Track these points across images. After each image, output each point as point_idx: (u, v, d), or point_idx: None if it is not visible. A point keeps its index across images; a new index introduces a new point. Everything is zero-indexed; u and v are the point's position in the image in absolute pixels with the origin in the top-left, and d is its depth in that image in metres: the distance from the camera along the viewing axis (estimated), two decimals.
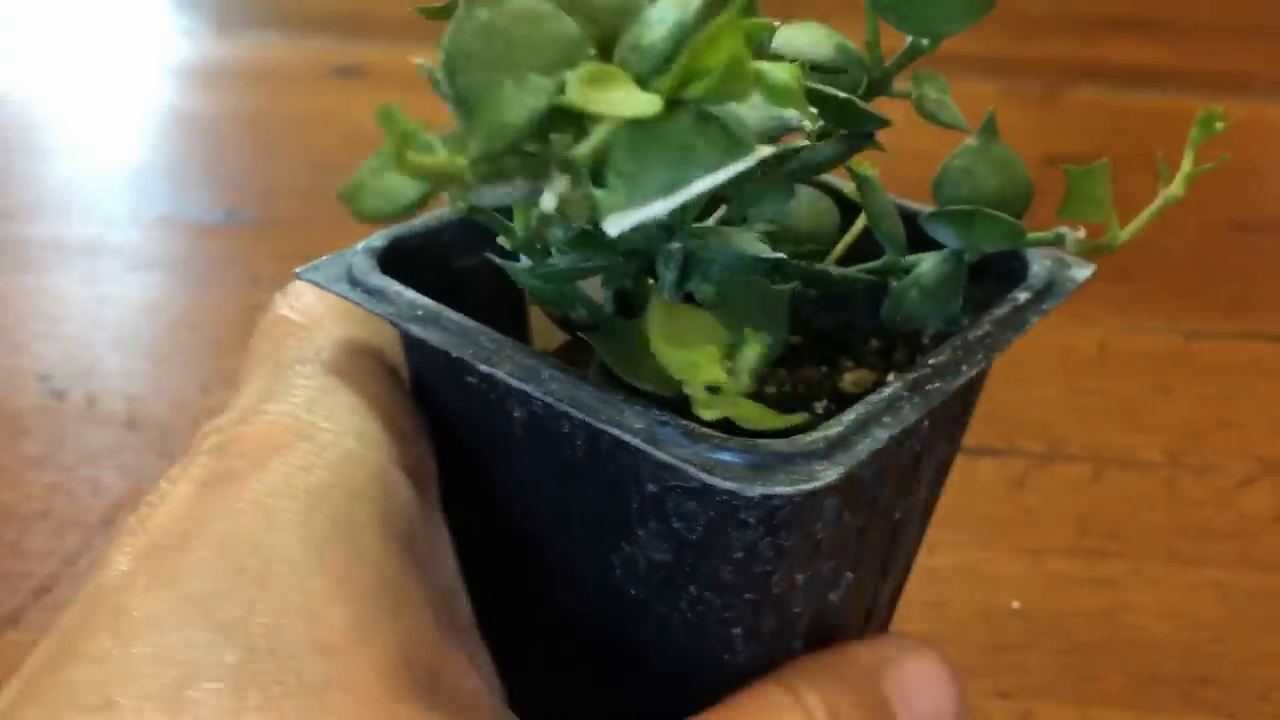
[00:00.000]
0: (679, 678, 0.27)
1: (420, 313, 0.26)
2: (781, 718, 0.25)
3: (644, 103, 0.18)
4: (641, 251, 0.25)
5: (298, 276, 0.28)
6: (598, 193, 0.19)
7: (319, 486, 0.23)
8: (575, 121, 0.19)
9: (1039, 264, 0.32)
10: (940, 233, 0.29)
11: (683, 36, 0.19)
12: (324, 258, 0.28)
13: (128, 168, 0.74)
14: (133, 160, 0.75)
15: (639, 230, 0.19)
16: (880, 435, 0.24)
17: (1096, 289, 0.68)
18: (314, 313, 0.28)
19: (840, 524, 0.26)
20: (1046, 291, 0.31)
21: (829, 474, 0.23)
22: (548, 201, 0.19)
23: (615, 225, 0.19)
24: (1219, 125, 0.29)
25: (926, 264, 0.29)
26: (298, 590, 0.21)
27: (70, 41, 0.93)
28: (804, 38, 0.29)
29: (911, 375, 0.26)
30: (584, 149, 0.19)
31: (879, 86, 0.29)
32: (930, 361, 0.26)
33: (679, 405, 0.23)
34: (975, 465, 0.51)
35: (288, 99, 0.83)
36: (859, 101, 0.28)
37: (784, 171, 0.26)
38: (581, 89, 0.19)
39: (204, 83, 0.87)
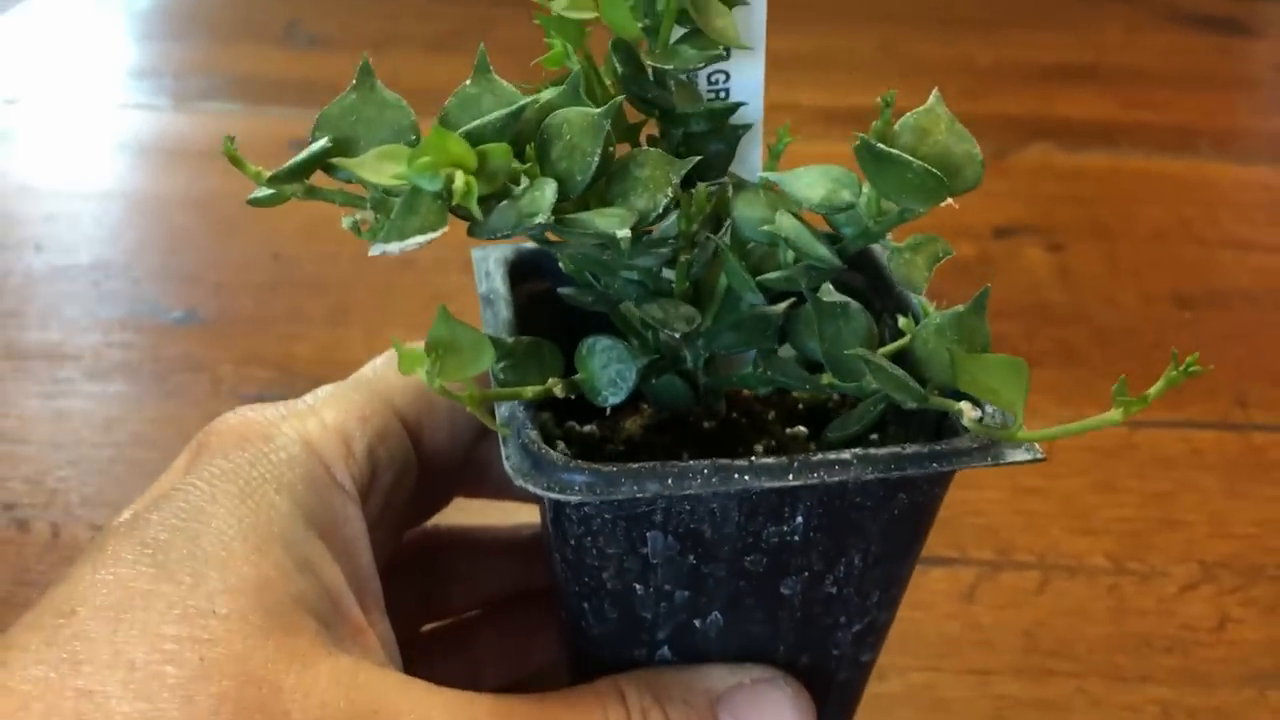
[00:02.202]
0: (564, 628, 0.36)
1: None
2: (605, 708, 0.31)
3: (389, 176, 0.27)
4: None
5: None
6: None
7: (257, 478, 0.31)
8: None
9: (972, 415, 0.32)
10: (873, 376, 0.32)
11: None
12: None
13: (87, 261, 0.74)
14: (92, 253, 0.75)
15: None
16: (651, 487, 0.30)
17: (1042, 375, 0.70)
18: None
19: (676, 556, 0.32)
20: (970, 453, 0.32)
21: (575, 494, 0.30)
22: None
23: (378, 249, 0.27)
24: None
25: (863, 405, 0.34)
26: (220, 549, 0.29)
27: (24, 117, 0.92)
28: (806, 179, 0.32)
29: (771, 459, 0.31)
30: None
31: (870, 236, 0.32)
32: (798, 457, 0.31)
33: None
34: (926, 576, 0.53)
35: (245, 180, 0.84)
36: (806, 238, 0.32)
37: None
38: (364, 158, 0.28)
39: (161, 162, 0.87)
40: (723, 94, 0.36)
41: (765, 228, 0.33)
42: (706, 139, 0.35)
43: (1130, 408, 0.31)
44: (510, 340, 0.34)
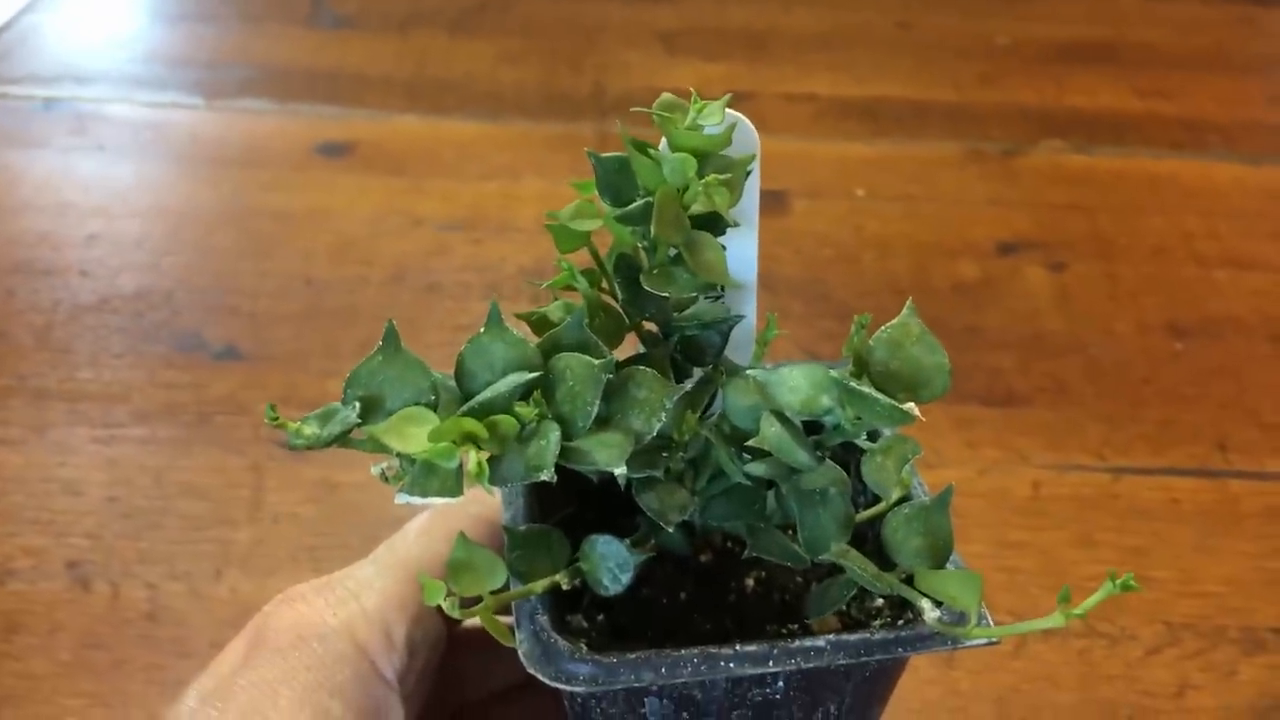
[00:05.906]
0: None
1: None
2: None
3: (412, 445, 0.31)
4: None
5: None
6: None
7: (313, 684, 0.35)
8: None
9: (931, 614, 0.37)
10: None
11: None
12: None
13: (131, 289, 0.78)
14: (134, 280, 0.79)
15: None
16: (646, 676, 0.34)
17: (1033, 416, 0.73)
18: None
19: (671, 714, 0.37)
20: (932, 638, 0.36)
21: (579, 685, 0.34)
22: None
23: (403, 498, 0.32)
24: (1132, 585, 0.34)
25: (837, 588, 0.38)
26: None
27: (59, 121, 0.96)
28: (790, 381, 0.36)
29: (754, 645, 0.35)
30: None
31: (847, 435, 0.36)
32: (777, 644, 0.35)
33: None
34: None
35: (276, 193, 0.87)
36: (788, 445, 0.35)
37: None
38: (389, 423, 0.32)
39: (198, 172, 0.90)
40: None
41: (750, 442, 0.36)
42: (702, 335, 0.39)
43: (1069, 616, 0.35)
44: (522, 529, 0.38)
